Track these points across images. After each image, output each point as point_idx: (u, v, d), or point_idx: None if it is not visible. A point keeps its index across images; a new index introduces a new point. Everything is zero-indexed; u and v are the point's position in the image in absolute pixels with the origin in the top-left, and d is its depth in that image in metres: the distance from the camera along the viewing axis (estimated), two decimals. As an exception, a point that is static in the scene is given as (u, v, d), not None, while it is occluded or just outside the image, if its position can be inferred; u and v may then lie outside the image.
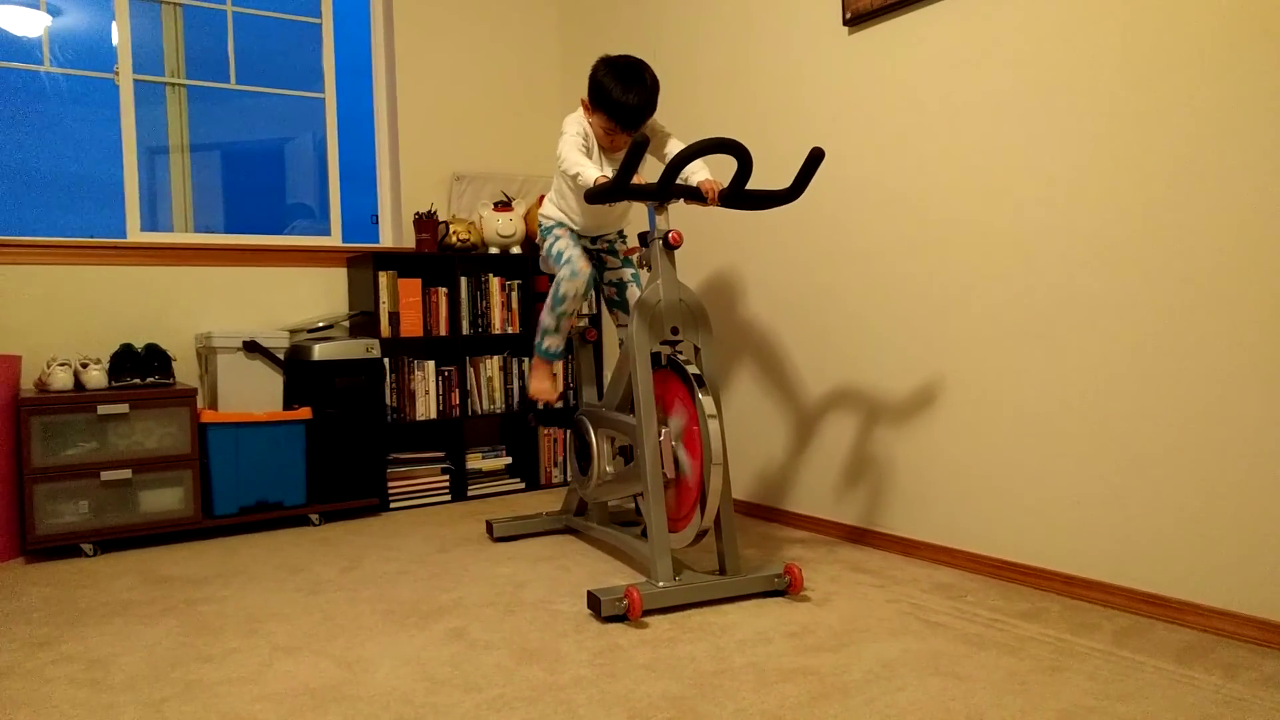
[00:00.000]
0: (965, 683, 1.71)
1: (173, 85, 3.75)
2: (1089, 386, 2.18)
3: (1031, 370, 2.31)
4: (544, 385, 2.86)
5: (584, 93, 2.60)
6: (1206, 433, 1.96)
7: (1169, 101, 1.99)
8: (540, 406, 2.82)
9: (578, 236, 2.77)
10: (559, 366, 2.96)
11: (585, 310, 2.96)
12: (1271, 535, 1.86)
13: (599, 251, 2.89)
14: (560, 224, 2.76)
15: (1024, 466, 2.34)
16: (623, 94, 2.45)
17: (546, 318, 2.74)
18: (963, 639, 1.94)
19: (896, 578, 2.42)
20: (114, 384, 3.00)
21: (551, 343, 2.78)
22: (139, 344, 3.28)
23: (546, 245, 2.76)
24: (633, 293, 2.86)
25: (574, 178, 2.41)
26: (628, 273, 2.89)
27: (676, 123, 3.42)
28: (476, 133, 4.10)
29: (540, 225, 2.81)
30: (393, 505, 3.52)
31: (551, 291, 2.70)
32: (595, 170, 2.36)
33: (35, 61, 3.44)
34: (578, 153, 2.46)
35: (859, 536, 2.82)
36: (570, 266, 2.65)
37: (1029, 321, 2.31)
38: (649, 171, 2.68)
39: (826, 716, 1.58)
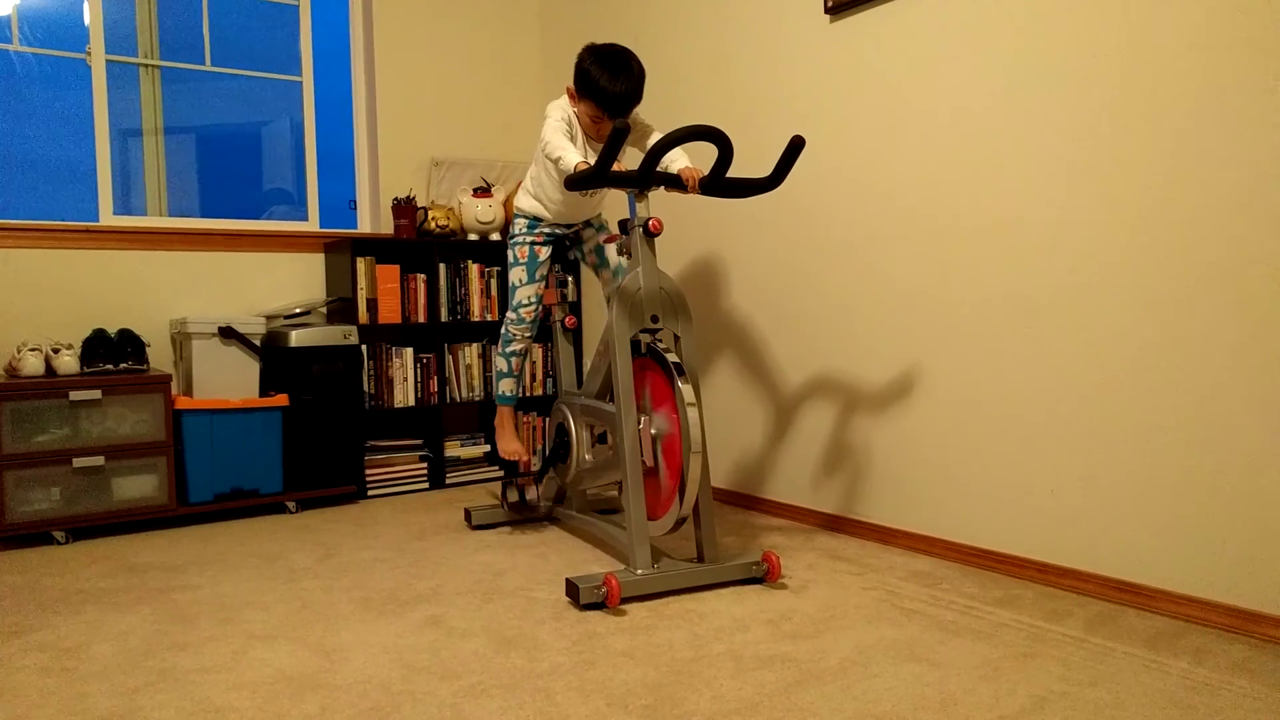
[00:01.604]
0: (939, 669, 1.73)
1: (146, 66, 3.69)
2: (1066, 377, 2.20)
3: (1008, 361, 2.33)
4: (513, 445, 2.93)
5: (565, 79, 2.58)
6: (1179, 424, 1.98)
7: (1162, 93, 2.01)
8: (517, 465, 2.90)
9: (547, 240, 2.77)
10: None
11: (565, 298, 2.96)
12: (1241, 523, 1.89)
13: (576, 233, 2.88)
14: (531, 224, 2.76)
15: (1000, 456, 2.36)
16: (610, 82, 2.45)
17: (499, 360, 2.85)
18: (938, 626, 1.96)
19: (873, 565, 2.44)
20: (86, 370, 2.96)
21: (507, 386, 2.88)
22: (112, 329, 3.24)
23: (508, 260, 2.82)
24: (612, 255, 2.87)
25: (555, 161, 2.40)
26: (601, 236, 2.88)
27: (657, 110, 3.41)
28: (456, 118, 4.06)
29: (513, 222, 2.82)
30: (370, 493, 3.50)
31: (502, 330, 2.80)
32: (577, 156, 2.35)
33: (4, 40, 3.37)
34: (562, 137, 2.46)
35: (836, 525, 2.83)
36: (516, 314, 2.76)
37: (1006, 313, 2.32)
38: (629, 162, 2.67)
39: (803, 703, 1.59)
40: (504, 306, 3.84)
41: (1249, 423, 1.87)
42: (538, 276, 2.78)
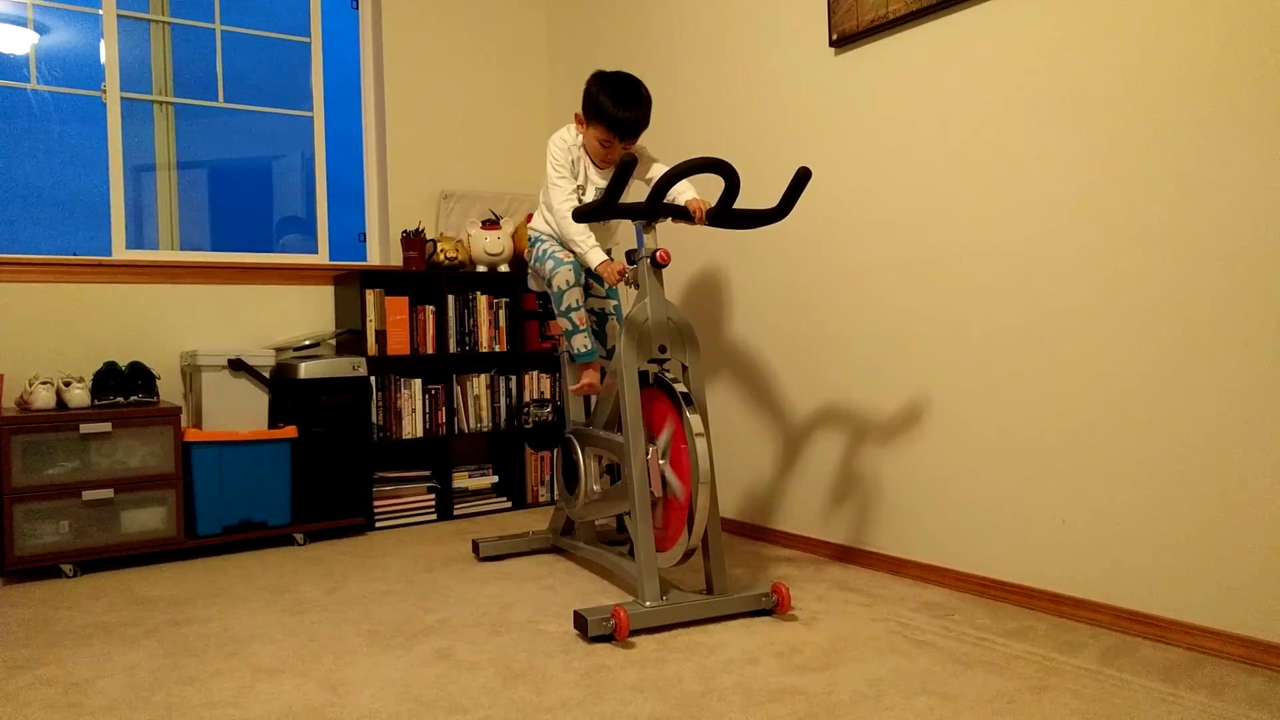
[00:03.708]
0: (952, 702, 1.71)
1: (160, 103, 3.75)
2: (1077, 405, 2.19)
3: (1019, 389, 2.32)
4: (591, 380, 2.73)
5: (572, 112, 2.62)
6: (1194, 453, 1.97)
7: (1162, 121, 2.02)
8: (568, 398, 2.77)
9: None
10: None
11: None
12: (1257, 554, 1.87)
13: (585, 273, 2.90)
14: (550, 235, 2.78)
15: (1011, 485, 2.34)
16: (619, 106, 2.50)
17: (561, 321, 2.68)
18: (950, 658, 1.94)
19: (884, 596, 2.41)
20: (97, 403, 2.97)
21: (579, 343, 2.68)
22: (123, 362, 3.26)
23: (536, 253, 2.76)
24: (613, 326, 2.90)
25: (561, 228, 2.57)
26: (611, 304, 2.91)
27: (663, 144, 3.44)
28: (464, 151, 4.11)
29: (530, 238, 2.83)
30: (378, 524, 3.50)
31: (553, 294, 2.67)
32: (588, 241, 2.52)
33: (22, 79, 3.43)
34: (565, 199, 2.58)
35: (846, 555, 2.81)
36: (554, 260, 2.64)
37: (1016, 341, 2.32)
38: (632, 196, 2.69)
39: (814, 737, 1.57)
40: (512, 338, 3.86)
41: (1263, 450, 1.85)
42: (566, 250, 2.68)
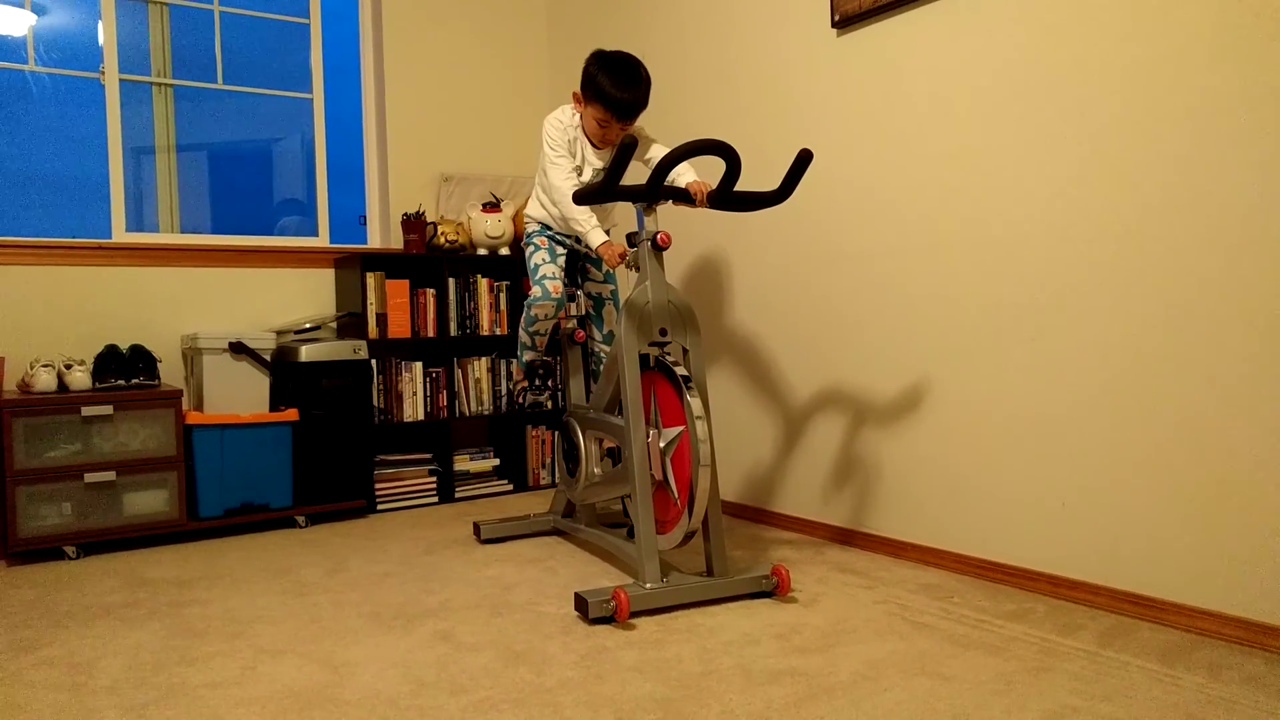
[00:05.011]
0: (951, 683, 1.72)
1: (159, 85, 3.73)
2: (1076, 388, 2.19)
3: (1019, 372, 2.32)
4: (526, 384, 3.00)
5: (572, 92, 2.61)
6: (1192, 435, 1.97)
7: (1163, 103, 2.01)
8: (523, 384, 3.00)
9: (560, 242, 2.78)
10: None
11: (574, 311, 2.96)
12: (1255, 536, 1.87)
13: (583, 258, 2.90)
14: (542, 228, 2.78)
15: (1011, 468, 2.35)
16: (618, 86, 2.49)
17: (522, 333, 2.84)
18: (949, 639, 1.95)
19: (883, 579, 2.42)
20: (98, 385, 2.98)
21: (530, 356, 2.91)
22: (124, 345, 3.26)
23: (527, 253, 2.79)
24: (609, 311, 2.90)
25: (558, 206, 2.56)
26: (609, 288, 2.91)
27: (665, 124, 3.42)
28: (465, 134, 4.09)
29: (525, 227, 2.83)
30: (380, 507, 3.51)
31: (525, 308, 2.78)
32: (590, 221, 2.49)
33: (20, 60, 3.41)
34: (564, 176, 2.55)
35: (846, 538, 2.82)
36: (541, 287, 2.71)
37: (1017, 324, 2.32)
38: (631, 177, 2.68)
39: (813, 717, 1.58)
40: (513, 320, 3.85)
41: (1261, 433, 1.85)
42: (559, 263, 2.75)
